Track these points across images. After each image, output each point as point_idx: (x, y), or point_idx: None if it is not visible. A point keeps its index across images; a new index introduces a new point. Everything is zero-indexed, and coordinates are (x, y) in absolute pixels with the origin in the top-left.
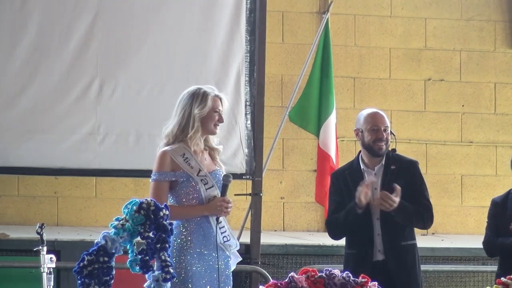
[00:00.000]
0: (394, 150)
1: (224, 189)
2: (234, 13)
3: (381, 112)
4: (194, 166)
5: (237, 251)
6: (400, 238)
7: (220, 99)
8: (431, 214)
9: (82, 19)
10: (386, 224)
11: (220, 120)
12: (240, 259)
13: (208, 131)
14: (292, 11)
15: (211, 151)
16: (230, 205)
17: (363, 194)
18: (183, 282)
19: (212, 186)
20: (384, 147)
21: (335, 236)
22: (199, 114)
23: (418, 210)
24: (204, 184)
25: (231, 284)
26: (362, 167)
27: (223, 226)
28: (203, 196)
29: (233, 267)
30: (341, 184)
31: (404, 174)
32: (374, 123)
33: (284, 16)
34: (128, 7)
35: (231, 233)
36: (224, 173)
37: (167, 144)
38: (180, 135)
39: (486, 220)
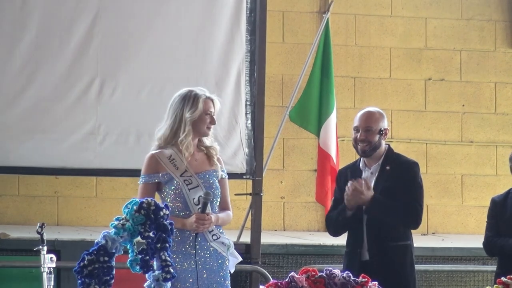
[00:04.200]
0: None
1: (203, 206)
2: (234, 12)
3: (371, 112)
4: (179, 167)
5: (237, 251)
6: (387, 238)
7: (212, 100)
8: (415, 214)
9: (83, 19)
10: (371, 224)
11: (212, 122)
12: (239, 260)
13: (200, 133)
14: (293, 11)
15: (207, 150)
16: (207, 221)
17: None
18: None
19: (197, 186)
20: (366, 147)
21: (331, 233)
22: (190, 117)
23: (397, 208)
24: (187, 184)
25: (228, 286)
26: (361, 166)
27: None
28: (186, 196)
29: (232, 268)
30: (342, 181)
31: (398, 175)
32: (356, 123)
33: (284, 15)
34: (128, 6)
35: (219, 231)
36: (223, 174)
37: (159, 147)
38: (172, 139)
39: (486, 220)
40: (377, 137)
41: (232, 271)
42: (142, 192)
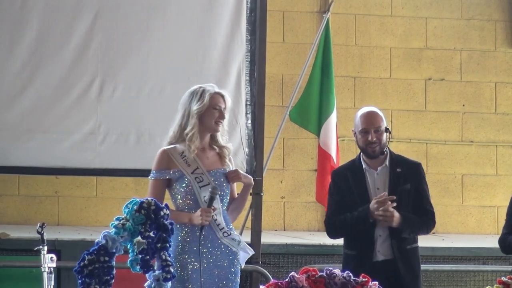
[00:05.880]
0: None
1: (210, 200)
2: (234, 12)
3: (374, 111)
4: (191, 164)
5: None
6: (403, 241)
7: (223, 96)
8: (434, 221)
9: (83, 19)
10: (393, 228)
11: (221, 117)
12: (250, 254)
13: (209, 128)
14: (293, 11)
15: (220, 149)
16: (211, 214)
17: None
18: (182, 281)
19: (208, 184)
20: (377, 148)
21: (335, 236)
22: (197, 111)
23: (423, 220)
24: (198, 182)
25: (238, 282)
26: (364, 167)
27: (219, 224)
28: (197, 194)
29: (243, 263)
30: (342, 183)
31: (410, 177)
32: (364, 125)
33: (284, 15)
34: (128, 6)
35: (229, 228)
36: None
37: (170, 143)
38: (181, 134)
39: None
40: (385, 136)
41: (243, 266)
42: (152, 188)
